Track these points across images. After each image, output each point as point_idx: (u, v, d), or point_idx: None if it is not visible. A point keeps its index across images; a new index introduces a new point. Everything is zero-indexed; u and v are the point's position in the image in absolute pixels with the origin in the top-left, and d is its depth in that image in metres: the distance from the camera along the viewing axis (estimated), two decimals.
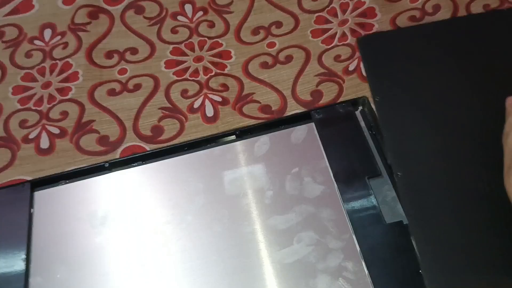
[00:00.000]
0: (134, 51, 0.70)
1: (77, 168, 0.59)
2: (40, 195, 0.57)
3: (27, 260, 0.52)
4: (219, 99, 0.63)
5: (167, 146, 0.60)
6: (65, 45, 0.71)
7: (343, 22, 0.68)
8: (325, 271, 0.48)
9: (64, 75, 0.68)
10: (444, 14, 0.65)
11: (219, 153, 0.57)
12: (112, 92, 0.66)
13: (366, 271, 0.47)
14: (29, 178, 0.60)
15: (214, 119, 0.62)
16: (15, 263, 0.52)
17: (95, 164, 0.59)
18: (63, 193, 0.57)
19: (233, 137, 0.58)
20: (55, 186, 0.58)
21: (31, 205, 0.56)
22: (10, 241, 0.54)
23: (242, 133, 0.58)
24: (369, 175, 0.53)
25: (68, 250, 0.53)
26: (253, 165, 0.56)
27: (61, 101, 0.66)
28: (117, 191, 0.56)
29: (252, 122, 0.61)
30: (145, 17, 0.73)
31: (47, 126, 0.64)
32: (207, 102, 0.63)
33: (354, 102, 0.58)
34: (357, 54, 0.64)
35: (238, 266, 0.49)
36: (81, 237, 0.53)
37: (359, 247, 0.48)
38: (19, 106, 0.66)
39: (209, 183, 0.55)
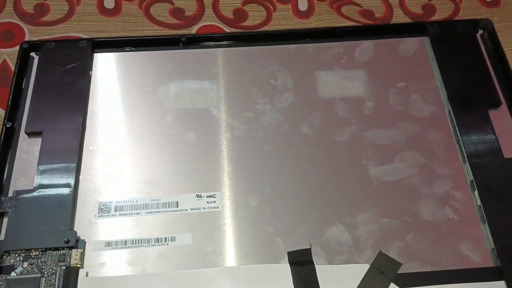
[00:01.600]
0: None
1: (147, 36, 0.53)
2: (101, 58, 0.52)
3: (83, 126, 0.47)
4: None
5: (251, 32, 0.54)
6: None
7: None
8: (430, 196, 0.44)
9: None
10: None
11: (313, 51, 0.52)
12: None
13: (479, 203, 0.43)
14: (86, 37, 0.53)
15: (307, 14, 0.56)
16: (70, 126, 0.47)
17: (169, 35, 0.53)
18: (127, 60, 0.51)
19: (333, 35, 0.53)
20: (119, 51, 0.52)
21: (90, 66, 0.51)
22: (68, 102, 0.48)
23: (344, 33, 0.52)
24: (488, 104, 0.48)
25: (128, 123, 0.48)
26: (352, 71, 0.51)
27: None
28: (190, 70, 0.51)
29: (351, 24, 0.55)
30: None
31: None
32: None
33: (475, 23, 0.53)
34: None
35: (325, 177, 0.45)
36: (145, 110, 0.48)
37: (473, 177, 0.44)
38: None
39: (299, 81, 0.50)
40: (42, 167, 0.45)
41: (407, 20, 0.55)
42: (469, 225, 0.42)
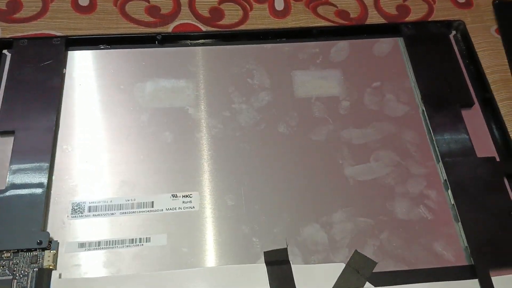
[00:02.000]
0: None
1: (122, 34, 0.51)
2: (75, 56, 0.50)
3: (56, 125, 0.45)
4: None
5: (228, 31, 0.53)
6: None
7: None
8: (404, 195, 0.43)
9: None
10: None
11: (289, 51, 0.51)
12: None
13: (452, 202, 0.42)
14: (60, 34, 0.52)
15: (283, 13, 0.55)
16: (43, 125, 0.45)
17: (145, 33, 0.52)
18: (102, 58, 0.50)
19: (309, 35, 0.52)
20: (94, 49, 0.50)
21: (63, 64, 0.49)
22: (41, 100, 0.46)
23: (320, 33, 0.52)
24: (462, 104, 0.48)
25: (103, 122, 0.46)
26: (328, 70, 0.50)
27: None
28: (166, 68, 0.49)
29: (327, 24, 0.54)
30: None
31: None
32: None
33: (449, 25, 0.53)
34: None
35: (301, 176, 0.44)
36: (120, 109, 0.47)
37: (447, 177, 0.44)
38: None
39: (276, 80, 0.49)
40: (14, 167, 0.43)
41: (382, 20, 0.55)
42: (443, 224, 0.42)
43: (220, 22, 0.54)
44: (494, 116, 0.48)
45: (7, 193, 0.42)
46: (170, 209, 0.42)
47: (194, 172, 0.44)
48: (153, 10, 0.54)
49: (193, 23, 0.54)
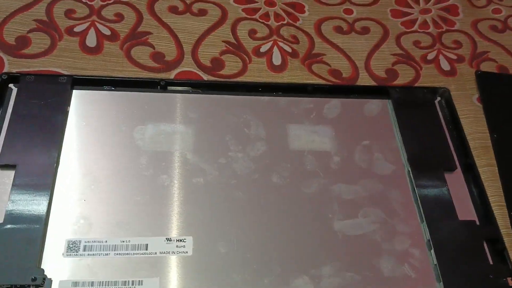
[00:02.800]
0: None
1: (127, 77, 0.52)
2: (80, 95, 0.50)
3: (57, 161, 0.45)
4: (289, 49, 0.58)
5: (229, 81, 0.54)
6: None
7: (426, 10, 0.65)
8: (390, 252, 0.44)
9: None
10: None
11: (285, 104, 0.52)
12: (173, 9, 0.59)
13: (435, 262, 0.43)
14: (66, 73, 0.52)
15: (280, 68, 0.56)
16: (44, 161, 0.45)
17: (149, 78, 0.52)
18: (106, 99, 0.50)
19: (304, 91, 0.53)
20: (99, 90, 0.51)
21: (68, 102, 0.49)
22: (44, 136, 0.46)
23: (314, 90, 0.53)
24: (445, 167, 0.49)
25: (103, 162, 0.46)
26: (321, 126, 0.51)
27: (117, 2, 0.58)
28: (168, 114, 0.50)
29: (320, 81, 0.56)
30: None
31: (97, 24, 0.56)
32: (275, 49, 0.58)
33: (434, 91, 0.55)
34: (438, 45, 0.61)
35: (293, 227, 0.44)
36: (120, 150, 0.47)
37: (430, 237, 0.44)
38: None
39: (271, 132, 0.50)
40: (13, 201, 0.42)
41: (371, 81, 0.57)
42: (426, 283, 0.43)
43: (221, 72, 0.55)
44: (475, 181, 0.49)
45: (5, 227, 0.41)
46: (164, 252, 0.42)
47: (189, 216, 0.44)
48: (157, 56, 0.55)
49: (195, 71, 0.54)
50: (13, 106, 0.48)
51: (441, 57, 0.60)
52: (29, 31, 0.54)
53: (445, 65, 0.59)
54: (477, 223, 0.46)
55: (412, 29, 0.62)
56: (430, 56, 0.60)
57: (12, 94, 0.49)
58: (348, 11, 0.63)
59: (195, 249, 0.42)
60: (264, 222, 0.44)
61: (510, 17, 0.65)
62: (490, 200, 0.47)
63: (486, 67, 0.59)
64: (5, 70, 0.51)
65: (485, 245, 0.44)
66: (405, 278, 0.42)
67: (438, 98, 0.55)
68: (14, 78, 0.50)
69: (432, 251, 0.44)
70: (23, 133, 0.46)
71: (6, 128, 0.46)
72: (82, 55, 0.54)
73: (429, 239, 0.44)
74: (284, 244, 0.43)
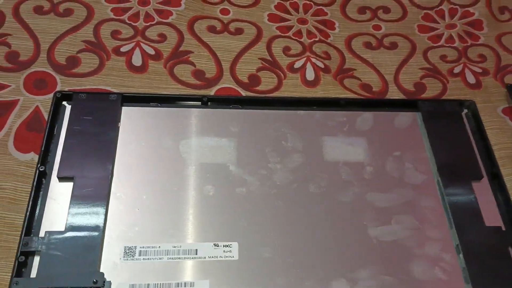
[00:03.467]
0: None
1: (172, 94, 0.55)
2: (129, 111, 0.54)
3: (111, 174, 0.49)
4: (321, 65, 0.61)
5: (266, 96, 0.57)
6: None
7: (451, 26, 0.67)
8: (422, 257, 0.46)
9: None
10: None
11: (320, 118, 0.55)
12: (212, 29, 0.63)
13: (464, 265, 0.46)
14: (115, 91, 0.56)
15: (314, 83, 0.59)
16: (100, 174, 0.48)
17: (193, 95, 0.56)
18: (153, 115, 0.54)
19: (337, 105, 0.56)
20: (145, 106, 0.54)
21: (118, 118, 0.52)
22: (98, 151, 0.50)
23: (347, 104, 0.56)
24: (472, 177, 0.52)
25: (153, 174, 0.49)
26: (354, 138, 0.54)
27: (159, 23, 0.62)
28: (211, 128, 0.53)
29: (352, 96, 0.59)
30: None
31: (142, 44, 0.60)
32: (308, 65, 0.61)
33: (461, 103, 0.57)
34: (463, 59, 0.63)
35: (331, 234, 0.47)
36: (168, 162, 0.50)
37: (459, 242, 0.47)
38: (112, 15, 0.62)
39: (308, 144, 0.53)
40: (72, 211, 0.46)
41: (400, 95, 0.59)
42: (455, 285, 0.45)
43: (258, 88, 0.58)
44: (501, 189, 0.51)
45: (66, 234, 0.45)
46: (212, 257, 0.45)
47: (234, 224, 0.47)
48: (198, 73, 0.58)
49: (234, 87, 0.58)
50: (68, 122, 0.52)
51: (466, 71, 0.62)
52: (79, 52, 0.58)
53: (471, 78, 0.62)
54: (503, 229, 0.49)
55: (439, 43, 0.65)
56: (456, 70, 0.62)
57: (66, 111, 0.53)
58: (377, 27, 0.66)
59: (240, 254, 0.45)
60: (303, 229, 0.47)
61: None
62: None
63: (510, 79, 0.62)
64: (58, 89, 0.55)
65: (510, 249, 0.47)
66: (436, 280, 0.45)
67: (465, 110, 0.57)
68: (67, 96, 0.54)
69: (461, 255, 0.46)
70: (79, 148, 0.50)
71: (63, 143, 0.50)
72: (129, 73, 0.57)
73: (458, 244, 0.47)
74: (323, 249, 0.46)
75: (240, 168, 0.51)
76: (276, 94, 0.58)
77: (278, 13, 0.66)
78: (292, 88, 0.59)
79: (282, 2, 0.67)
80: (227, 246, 0.46)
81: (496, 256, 0.47)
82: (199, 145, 0.52)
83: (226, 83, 0.58)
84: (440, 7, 0.69)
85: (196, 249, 0.45)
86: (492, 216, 0.50)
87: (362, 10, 0.68)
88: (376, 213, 0.49)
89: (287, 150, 0.52)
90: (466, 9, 0.69)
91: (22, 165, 0.50)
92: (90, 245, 0.44)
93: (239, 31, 0.63)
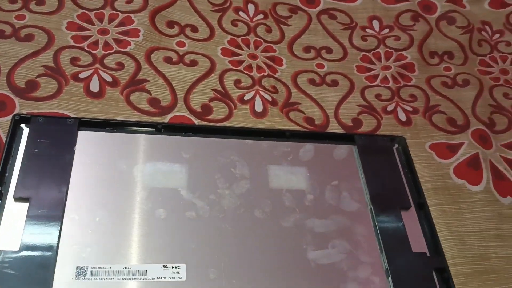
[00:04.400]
0: (194, 28, 0.69)
1: (127, 121, 0.57)
2: (85, 136, 0.55)
3: (66, 196, 0.49)
4: (269, 98, 0.64)
5: (217, 125, 0.60)
6: (130, 0, 0.69)
7: (386, 67, 0.72)
8: (354, 279, 0.50)
9: (124, 28, 0.66)
10: (472, 88, 0.71)
11: (267, 148, 0.58)
12: (168, 60, 0.65)
13: None
14: (72, 115, 0.57)
15: (262, 115, 0.62)
16: (55, 195, 0.49)
17: (147, 122, 0.57)
18: (108, 140, 0.55)
19: (283, 136, 0.59)
20: (101, 131, 0.55)
21: (74, 142, 0.53)
22: (53, 173, 0.50)
23: (291, 136, 0.59)
24: (401, 206, 0.56)
25: (106, 196, 0.51)
26: (297, 167, 0.57)
27: (118, 52, 0.63)
28: (164, 154, 0.55)
29: (296, 128, 0.62)
30: (209, 2, 0.73)
31: (100, 71, 0.61)
32: (257, 97, 0.64)
33: (393, 139, 0.62)
34: (396, 98, 0.68)
35: (273, 256, 0.50)
36: (121, 186, 0.51)
37: (388, 266, 0.51)
38: (72, 42, 0.63)
39: (254, 172, 0.56)
40: (27, 231, 0.46)
41: (340, 129, 0.63)
42: None
43: (210, 117, 0.61)
44: (426, 218, 0.56)
45: (20, 254, 0.45)
46: (161, 278, 0.47)
47: (183, 246, 0.49)
48: (154, 101, 0.60)
49: (187, 115, 0.60)
50: (26, 144, 0.52)
51: (399, 109, 0.67)
52: (38, 76, 0.59)
53: (402, 116, 0.67)
54: (428, 254, 0.53)
55: (375, 83, 0.70)
56: (389, 108, 0.67)
57: (23, 134, 0.53)
58: (320, 65, 0.70)
59: (188, 275, 0.47)
60: (248, 251, 0.50)
61: (459, 74, 0.74)
62: (438, 234, 0.54)
63: (437, 118, 0.67)
64: (16, 111, 0.56)
65: (434, 274, 0.51)
66: None
67: (396, 145, 0.62)
68: (26, 119, 0.54)
69: (390, 278, 0.50)
70: (35, 169, 0.51)
71: (19, 165, 0.51)
72: (86, 99, 0.58)
73: (387, 268, 0.51)
74: (265, 271, 0.49)
75: (191, 193, 0.53)
76: (227, 123, 0.61)
77: (231, 47, 0.69)
78: (242, 118, 0.62)
79: (234, 38, 0.70)
80: (175, 267, 0.48)
81: (421, 279, 0.51)
82: (152, 170, 0.53)
83: (180, 111, 0.60)
84: (377, 50, 0.74)
85: (146, 270, 0.47)
86: (418, 243, 0.54)
87: (307, 49, 0.72)
88: (315, 238, 0.52)
89: (235, 176, 0.55)
90: (400, 52, 0.74)
91: None
92: (44, 265, 0.45)
93: (193, 63, 0.65)
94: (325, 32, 0.74)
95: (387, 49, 0.74)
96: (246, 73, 0.66)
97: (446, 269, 0.52)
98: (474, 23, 0.79)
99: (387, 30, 0.76)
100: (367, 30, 0.76)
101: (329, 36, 0.74)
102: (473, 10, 0.81)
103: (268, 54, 0.70)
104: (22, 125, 0.54)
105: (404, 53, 0.74)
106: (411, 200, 0.57)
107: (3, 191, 0.49)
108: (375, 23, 0.77)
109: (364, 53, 0.73)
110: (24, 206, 0.48)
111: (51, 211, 0.48)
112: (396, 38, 0.75)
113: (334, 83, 0.69)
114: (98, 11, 0.67)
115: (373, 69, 0.72)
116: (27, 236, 0.46)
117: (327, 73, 0.70)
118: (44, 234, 0.46)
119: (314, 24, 0.75)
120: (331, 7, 0.78)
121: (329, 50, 0.72)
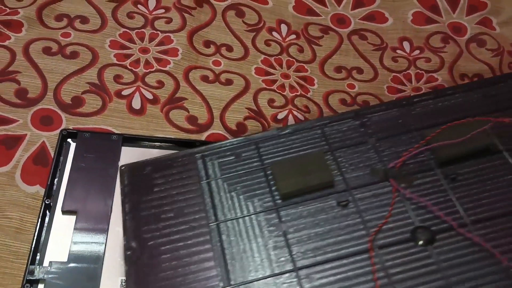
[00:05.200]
0: (229, 48, 0.72)
1: (167, 138, 0.59)
2: (127, 151, 0.57)
3: (111, 209, 0.52)
4: (301, 117, 0.66)
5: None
6: (169, 20, 0.72)
7: (417, 89, 0.73)
8: None
9: (164, 47, 0.69)
10: None
11: None
12: (205, 78, 0.67)
13: None
14: (115, 131, 0.59)
15: None
16: (101, 209, 0.52)
17: (185, 139, 0.60)
18: (149, 156, 0.57)
19: None
20: (143, 147, 0.58)
21: (118, 157, 0.56)
22: (99, 187, 0.53)
23: None
24: None
25: None
26: None
27: (158, 70, 0.66)
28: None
29: None
30: (244, 22, 0.75)
31: (141, 89, 0.64)
32: (290, 117, 0.66)
33: None
34: None
35: None
36: None
37: None
38: (115, 60, 0.66)
39: None
40: (75, 242, 0.49)
41: None
42: None
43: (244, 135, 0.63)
44: None
45: (69, 265, 0.48)
46: None
47: None
48: (192, 119, 0.63)
49: (223, 133, 0.62)
50: (73, 159, 0.55)
51: None
52: (83, 92, 0.62)
53: None
54: None
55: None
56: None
57: (70, 148, 0.56)
58: (351, 86, 0.72)
59: None
60: None
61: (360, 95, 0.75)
62: None
63: None
64: (63, 127, 0.59)
65: None
66: None
67: None
68: (73, 134, 0.57)
69: None
70: (82, 183, 0.54)
71: (67, 178, 0.54)
72: (128, 115, 0.61)
73: None
74: None
75: None
76: None
77: (264, 67, 0.71)
78: None
79: (267, 57, 0.72)
80: None
81: None
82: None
83: (216, 129, 0.63)
84: (407, 71, 0.75)
85: None
86: None
87: (338, 69, 0.74)
88: None
89: None
90: (431, 74, 0.75)
91: (28, 197, 0.53)
92: (91, 276, 0.48)
93: (229, 82, 0.68)
94: (356, 53, 0.76)
95: (418, 70, 0.76)
96: (279, 93, 0.68)
97: None
98: (505, 45, 0.80)
99: (417, 51, 0.77)
100: (398, 51, 0.77)
101: (360, 57, 0.76)
102: (504, 33, 0.81)
103: (300, 74, 0.72)
104: (69, 140, 0.57)
105: (435, 75, 0.75)
106: None
107: (51, 204, 0.52)
108: (406, 44, 0.78)
109: (395, 74, 0.75)
110: (72, 218, 0.51)
111: (97, 224, 0.51)
112: (427, 59, 0.76)
113: (365, 104, 0.70)
114: (139, 30, 0.70)
115: (404, 90, 0.73)
116: (75, 247, 0.49)
117: (358, 93, 0.71)
118: (91, 246, 0.49)
119: (345, 44, 0.76)
120: (362, 27, 0.79)
121: (359, 71, 0.74)
